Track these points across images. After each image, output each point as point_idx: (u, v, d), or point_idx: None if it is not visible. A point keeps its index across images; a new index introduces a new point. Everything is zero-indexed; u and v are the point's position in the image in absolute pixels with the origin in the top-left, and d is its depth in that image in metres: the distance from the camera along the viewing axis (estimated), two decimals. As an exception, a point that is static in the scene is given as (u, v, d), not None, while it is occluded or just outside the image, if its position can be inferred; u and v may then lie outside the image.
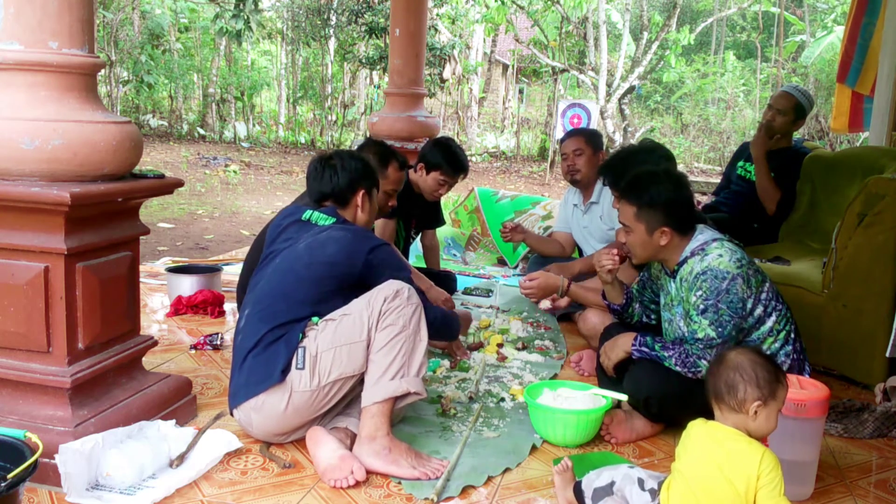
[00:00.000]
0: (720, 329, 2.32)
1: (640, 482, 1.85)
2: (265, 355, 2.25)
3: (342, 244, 2.38)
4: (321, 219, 2.47)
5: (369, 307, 2.25)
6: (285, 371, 2.22)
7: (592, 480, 1.93)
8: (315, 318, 2.30)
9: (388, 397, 2.20)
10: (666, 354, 2.40)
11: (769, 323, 2.43)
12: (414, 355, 2.26)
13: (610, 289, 2.79)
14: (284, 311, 2.30)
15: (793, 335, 2.47)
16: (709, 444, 1.77)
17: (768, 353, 2.43)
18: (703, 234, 2.46)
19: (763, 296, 2.42)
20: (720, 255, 2.36)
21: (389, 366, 2.21)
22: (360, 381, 2.27)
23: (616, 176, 3.00)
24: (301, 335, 2.26)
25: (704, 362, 2.32)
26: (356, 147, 3.31)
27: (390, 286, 2.28)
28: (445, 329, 2.66)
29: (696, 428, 1.83)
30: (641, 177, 2.48)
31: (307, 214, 2.49)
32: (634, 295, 2.79)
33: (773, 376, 1.77)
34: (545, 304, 3.38)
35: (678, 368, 2.36)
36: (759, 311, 2.41)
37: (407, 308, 2.26)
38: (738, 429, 1.77)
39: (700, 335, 2.34)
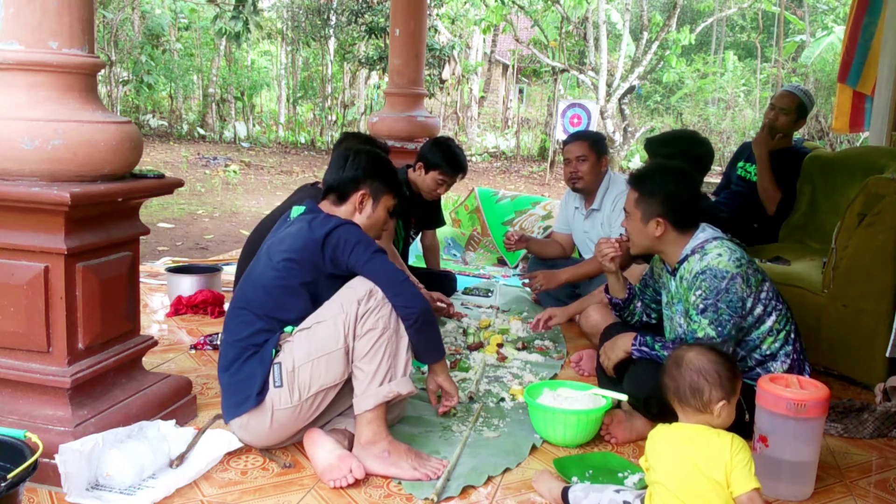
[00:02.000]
0: (720, 328, 2.32)
1: None
2: (241, 375, 2.20)
3: (297, 237, 2.23)
4: (296, 211, 2.35)
5: (343, 311, 2.15)
6: (262, 391, 2.17)
7: (580, 499, 1.94)
8: (288, 328, 2.22)
9: (379, 404, 2.17)
10: (666, 354, 2.39)
11: (769, 322, 2.43)
12: (398, 356, 2.20)
13: (613, 281, 2.79)
14: (247, 322, 2.23)
15: (793, 335, 2.47)
16: (681, 446, 1.78)
17: (768, 353, 2.44)
18: (703, 232, 2.47)
19: (763, 295, 2.42)
20: (719, 255, 2.36)
21: (376, 372, 2.15)
22: (346, 386, 2.23)
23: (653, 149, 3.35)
24: (275, 350, 2.19)
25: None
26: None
27: (361, 285, 2.18)
28: (432, 333, 2.33)
29: (661, 433, 1.84)
30: (651, 167, 2.58)
31: (293, 211, 2.39)
32: (636, 293, 2.79)
33: (732, 373, 1.80)
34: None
35: (678, 368, 2.36)
36: (758, 310, 2.41)
37: (384, 308, 2.17)
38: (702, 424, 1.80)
39: (700, 335, 2.34)
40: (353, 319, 2.14)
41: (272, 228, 2.45)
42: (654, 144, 3.47)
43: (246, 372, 2.19)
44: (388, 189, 2.41)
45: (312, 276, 2.23)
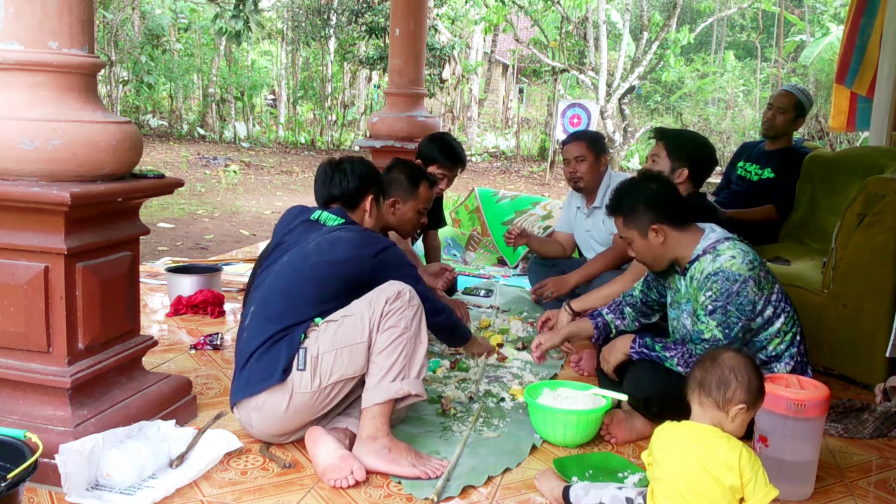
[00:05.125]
0: (727, 330, 2.32)
1: (629, 502, 1.86)
2: (268, 356, 2.26)
3: (351, 245, 2.40)
4: (330, 219, 2.49)
5: (370, 308, 2.25)
6: (286, 371, 2.23)
7: (580, 497, 1.93)
8: (317, 319, 2.30)
9: (388, 399, 2.21)
10: (667, 354, 2.39)
11: (777, 324, 2.42)
12: (415, 357, 2.26)
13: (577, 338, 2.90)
14: (292, 311, 2.31)
15: (798, 337, 2.47)
16: (687, 443, 1.77)
17: (774, 354, 2.43)
18: (714, 232, 2.45)
19: (773, 297, 2.40)
20: (733, 257, 2.34)
21: (391, 368, 2.21)
22: (361, 383, 2.28)
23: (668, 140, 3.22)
24: (303, 336, 2.26)
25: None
26: (384, 168, 3.14)
27: (392, 287, 2.29)
28: (455, 332, 2.86)
29: (669, 430, 1.83)
30: (616, 189, 2.55)
31: (316, 215, 2.51)
32: (637, 295, 2.78)
33: (760, 386, 1.80)
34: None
35: (680, 369, 2.35)
36: (768, 312, 2.40)
37: (408, 310, 2.26)
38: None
39: (707, 336, 2.33)
40: (379, 315, 2.24)
41: (288, 226, 2.53)
42: (670, 138, 3.19)
43: (273, 353, 2.26)
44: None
45: (356, 279, 2.38)
